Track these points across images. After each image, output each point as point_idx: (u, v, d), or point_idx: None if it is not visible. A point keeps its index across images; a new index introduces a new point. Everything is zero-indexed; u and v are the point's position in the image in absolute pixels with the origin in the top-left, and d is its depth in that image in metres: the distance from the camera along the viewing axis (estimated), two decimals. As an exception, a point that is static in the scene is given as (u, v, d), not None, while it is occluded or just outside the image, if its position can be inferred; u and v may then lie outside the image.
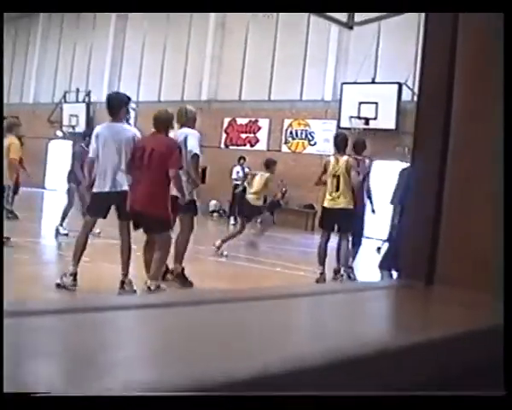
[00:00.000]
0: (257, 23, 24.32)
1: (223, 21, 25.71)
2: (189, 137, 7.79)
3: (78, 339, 0.66)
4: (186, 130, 7.91)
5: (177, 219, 7.86)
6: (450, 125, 1.27)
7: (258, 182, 12.17)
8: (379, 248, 9.33)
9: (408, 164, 6.87)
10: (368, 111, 20.80)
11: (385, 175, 14.93)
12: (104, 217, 7.52)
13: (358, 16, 14.22)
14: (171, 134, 8.03)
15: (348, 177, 9.18)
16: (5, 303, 0.70)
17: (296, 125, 23.65)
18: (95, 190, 7.51)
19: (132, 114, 26.64)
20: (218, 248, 11.57)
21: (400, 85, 20.26)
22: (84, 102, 29.40)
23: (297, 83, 23.81)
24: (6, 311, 0.67)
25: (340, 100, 21.81)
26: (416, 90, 13.66)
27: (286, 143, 23.90)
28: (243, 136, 24.97)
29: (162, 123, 6.99)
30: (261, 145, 24.42)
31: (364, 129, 20.01)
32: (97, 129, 7.82)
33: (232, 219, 21.60)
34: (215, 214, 24.06)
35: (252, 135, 24.77)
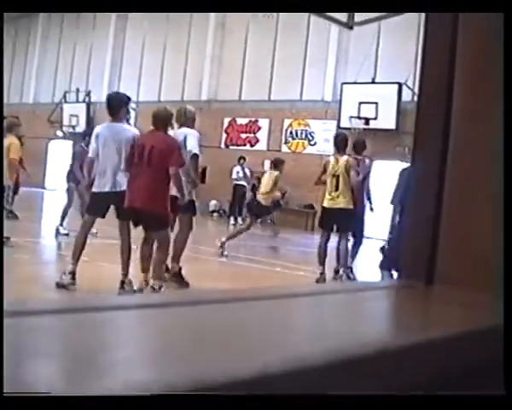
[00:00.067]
0: (257, 23, 24.33)
1: (223, 21, 25.72)
2: (189, 137, 7.78)
3: (78, 339, 0.66)
4: (185, 130, 7.91)
5: (177, 219, 7.87)
6: (451, 125, 1.27)
7: (267, 181, 12.16)
8: (383, 248, 9.35)
9: (408, 164, 6.87)
10: (368, 111, 20.81)
11: (385, 175, 14.94)
12: (103, 217, 7.54)
13: (358, 16, 14.23)
14: (171, 134, 8.04)
15: (348, 177, 9.19)
16: (5, 303, 0.70)
17: (296, 125, 23.66)
18: (94, 189, 7.52)
19: (132, 113, 26.67)
20: (222, 245, 11.55)
21: (400, 85, 20.27)
22: (84, 102, 29.42)
23: (297, 83, 23.82)
24: (6, 311, 0.67)
25: (340, 100, 21.83)
26: (416, 90, 13.68)
27: (286, 143, 23.91)
28: (243, 136, 24.98)
29: (161, 120, 6.97)
30: (261, 145, 24.43)
31: (364, 129, 20.03)
32: (97, 129, 7.83)
33: (232, 219, 21.62)
34: (215, 214, 24.06)
35: (252, 135, 24.78)
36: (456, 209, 1.26)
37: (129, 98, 8.11)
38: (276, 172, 12.08)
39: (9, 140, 10.09)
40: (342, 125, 20.99)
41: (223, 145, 25.36)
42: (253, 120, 24.65)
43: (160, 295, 4.99)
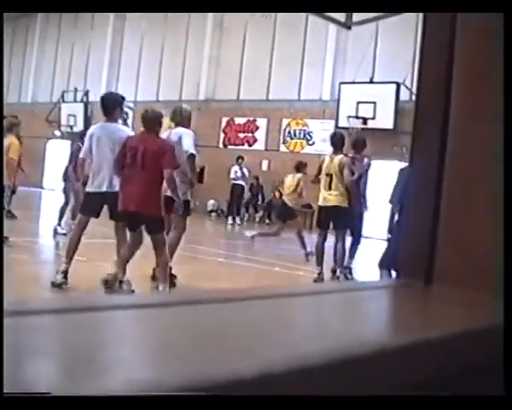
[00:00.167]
0: (255, 23, 24.33)
1: (221, 21, 25.71)
2: (184, 137, 7.74)
3: (78, 338, 0.66)
4: (180, 129, 7.87)
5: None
6: (449, 125, 1.27)
7: (290, 183, 12.15)
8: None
9: (406, 164, 6.87)
10: (366, 111, 20.81)
11: (383, 175, 14.94)
12: (97, 216, 7.53)
13: (356, 16, 14.20)
14: (166, 133, 8.03)
15: (341, 176, 9.20)
16: (5, 303, 0.70)
17: (294, 124, 23.66)
18: (88, 189, 7.51)
19: (130, 113, 26.66)
20: (252, 238, 11.67)
21: (398, 85, 20.28)
22: (82, 101, 29.40)
23: (295, 82, 23.83)
24: (5, 310, 0.67)
25: (338, 100, 21.82)
26: (414, 89, 13.68)
27: (284, 142, 23.92)
28: (241, 135, 24.98)
29: (150, 122, 6.87)
30: (259, 145, 24.44)
31: (362, 129, 20.00)
32: (91, 129, 7.84)
33: (230, 218, 21.62)
34: (213, 214, 24.07)
35: (250, 135, 24.78)
36: (454, 209, 1.26)
37: (123, 98, 8.08)
38: (300, 175, 12.06)
39: (9, 140, 10.10)
40: (340, 124, 20.99)
41: (221, 145, 25.36)
42: (251, 119, 24.65)
43: (159, 294, 5.00)
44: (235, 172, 21.75)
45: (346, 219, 9.37)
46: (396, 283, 1.45)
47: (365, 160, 9.95)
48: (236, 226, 20.86)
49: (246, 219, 22.98)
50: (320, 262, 9.43)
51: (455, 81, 1.26)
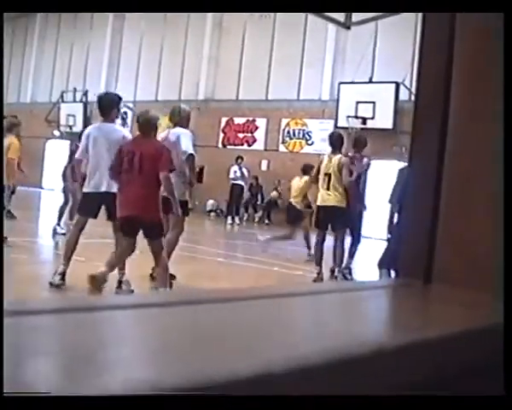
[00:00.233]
0: (254, 23, 24.34)
1: (220, 21, 25.72)
2: (182, 137, 7.71)
3: (77, 338, 0.66)
4: (179, 129, 7.84)
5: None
6: (448, 125, 1.27)
7: (297, 185, 12.14)
8: None
9: (405, 163, 6.87)
10: (365, 110, 20.82)
11: (382, 174, 14.95)
12: (95, 217, 7.50)
13: (356, 16, 14.20)
14: (165, 133, 8.02)
15: (340, 175, 9.18)
16: (4, 303, 0.70)
17: (293, 124, 23.67)
18: (86, 189, 7.48)
19: (129, 113, 26.62)
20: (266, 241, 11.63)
21: (397, 85, 20.28)
22: (81, 101, 29.40)
23: (294, 82, 23.83)
24: (5, 310, 0.67)
25: (338, 99, 21.83)
26: (413, 89, 13.67)
27: (283, 142, 23.93)
28: (241, 135, 24.99)
29: (146, 125, 6.78)
30: (258, 145, 24.44)
31: (362, 128, 20.00)
32: (88, 129, 7.83)
33: (229, 218, 21.63)
34: (212, 214, 24.08)
35: (249, 134, 24.79)
36: (454, 209, 1.26)
37: (120, 98, 8.06)
38: (307, 177, 12.05)
39: (9, 140, 10.11)
40: (339, 124, 21.00)
41: (220, 145, 25.36)
42: (251, 119, 24.65)
43: (159, 294, 4.99)
44: (235, 172, 21.75)
45: (345, 219, 9.36)
46: (395, 282, 1.45)
47: (365, 159, 9.94)
48: (236, 226, 20.87)
49: (245, 218, 22.99)
50: (319, 262, 9.42)
51: (454, 81, 1.26)
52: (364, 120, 20.81)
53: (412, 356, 0.81)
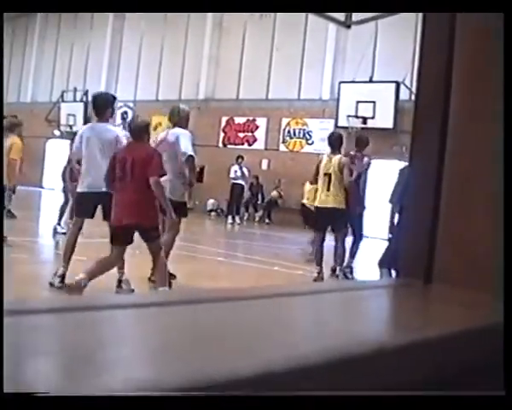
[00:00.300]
0: (254, 23, 24.33)
1: (220, 21, 25.72)
2: (181, 138, 7.69)
3: (77, 338, 0.66)
4: (178, 130, 7.83)
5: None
6: (448, 125, 1.27)
7: (310, 188, 12.09)
8: None
9: (406, 163, 6.87)
10: (365, 110, 20.81)
11: (383, 174, 14.94)
12: (91, 217, 7.49)
13: (356, 15, 14.20)
14: (164, 133, 8.04)
15: (340, 175, 9.14)
16: (4, 302, 0.70)
17: (294, 124, 23.67)
18: (81, 190, 7.47)
19: (129, 113, 26.59)
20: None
21: (398, 84, 20.28)
22: (81, 101, 29.41)
23: (294, 82, 23.83)
24: (5, 310, 0.67)
25: (338, 99, 21.82)
26: (413, 88, 13.65)
27: (284, 142, 23.93)
28: (241, 135, 24.98)
29: (138, 131, 6.74)
30: (259, 144, 24.44)
31: (362, 128, 20.01)
32: (81, 129, 7.85)
33: (230, 218, 21.63)
34: (213, 213, 24.08)
35: (250, 134, 24.79)
36: (454, 208, 1.26)
37: (114, 98, 8.07)
38: None
39: (12, 140, 10.13)
40: (340, 124, 21.01)
41: (220, 144, 25.37)
42: (251, 119, 24.65)
43: (159, 293, 4.99)
44: (235, 171, 21.75)
45: (345, 219, 9.34)
46: (395, 282, 1.45)
47: (365, 159, 9.93)
48: (236, 226, 20.87)
49: (245, 218, 23.00)
50: (319, 262, 9.41)
51: (454, 81, 1.26)
52: (365, 120, 20.80)
53: (412, 356, 0.81)
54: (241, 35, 25.24)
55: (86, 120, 27.28)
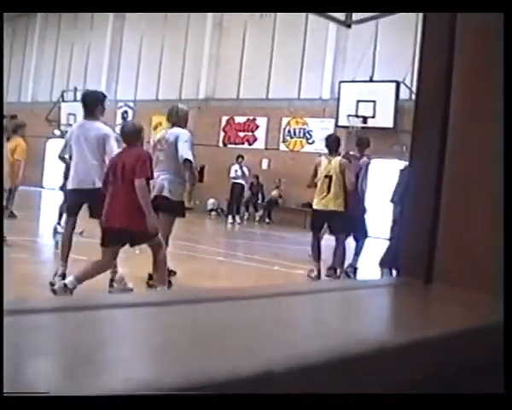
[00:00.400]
0: (254, 23, 24.33)
1: (220, 21, 25.71)
2: (180, 139, 7.65)
3: (77, 337, 0.66)
4: (177, 130, 7.80)
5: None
6: (448, 125, 1.27)
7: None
8: None
9: (406, 162, 6.87)
10: (366, 109, 20.81)
11: (383, 174, 14.95)
12: (76, 214, 7.53)
13: (356, 15, 14.21)
14: (163, 133, 8.04)
15: (342, 176, 9.07)
16: (4, 302, 0.70)
17: (294, 123, 23.66)
18: (70, 187, 7.57)
19: (130, 112, 26.59)
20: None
21: (398, 84, 20.27)
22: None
23: (295, 81, 23.82)
24: (5, 309, 0.67)
25: (338, 98, 21.81)
26: (413, 88, 13.67)
27: (284, 141, 23.92)
28: (241, 134, 24.98)
29: (130, 136, 6.73)
30: (259, 144, 24.44)
31: (362, 127, 20.01)
32: (71, 128, 7.88)
33: (230, 217, 21.62)
34: (213, 213, 24.07)
35: (250, 133, 24.78)
36: (454, 208, 1.26)
37: (104, 96, 8.07)
38: None
39: (16, 141, 10.19)
40: (340, 123, 21.01)
41: (221, 144, 25.36)
42: (251, 118, 24.65)
43: (159, 293, 4.99)
44: (235, 171, 21.74)
45: (344, 222, 9.25)
46: (396, 282, 1.45)
47: (364, 158, 9.88)
48: (236, 225, 20.87)
49: (246, 218, 23.00)
50: (317, 259, 9.35)
51: (454, 81, 1.26)
52: (365, 119, 20.80)
53: (412, 355, 0.81)
54: (241, 35, 25.23)
55: (86, 120, 27.29)
